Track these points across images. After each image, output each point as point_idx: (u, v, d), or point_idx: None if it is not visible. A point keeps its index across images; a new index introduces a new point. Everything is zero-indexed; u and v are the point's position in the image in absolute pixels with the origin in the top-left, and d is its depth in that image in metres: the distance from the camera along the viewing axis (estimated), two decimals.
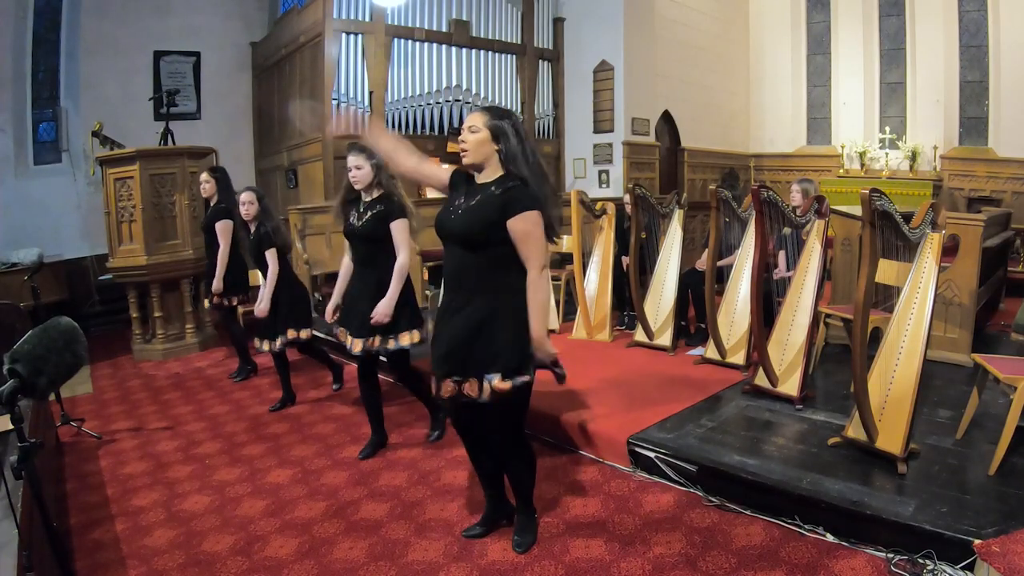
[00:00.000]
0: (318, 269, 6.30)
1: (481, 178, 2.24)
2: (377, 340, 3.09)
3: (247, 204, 3.88)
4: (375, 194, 3.07)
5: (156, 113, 7.62)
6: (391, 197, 3.07)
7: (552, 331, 5.25)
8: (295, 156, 8.30)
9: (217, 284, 4.44)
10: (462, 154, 2.21)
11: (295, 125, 8.06)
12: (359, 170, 3.00)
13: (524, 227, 2.13)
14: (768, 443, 3.00)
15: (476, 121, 2.18)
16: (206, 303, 5.05)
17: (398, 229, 3.06)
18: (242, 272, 4.60)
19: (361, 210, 3.08)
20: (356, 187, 3.06)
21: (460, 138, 2.22)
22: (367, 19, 7.70)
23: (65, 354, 1.60)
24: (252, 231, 3.95)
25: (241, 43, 9.01)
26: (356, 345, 3.10)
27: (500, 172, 2.20)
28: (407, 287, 3.13)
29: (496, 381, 2.16)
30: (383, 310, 3.01)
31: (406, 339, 3.14)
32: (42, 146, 7.44)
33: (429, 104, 8.22)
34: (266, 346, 3.90)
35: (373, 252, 3.08)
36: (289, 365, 4.14)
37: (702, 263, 4.80)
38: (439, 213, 2.29)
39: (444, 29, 8.29)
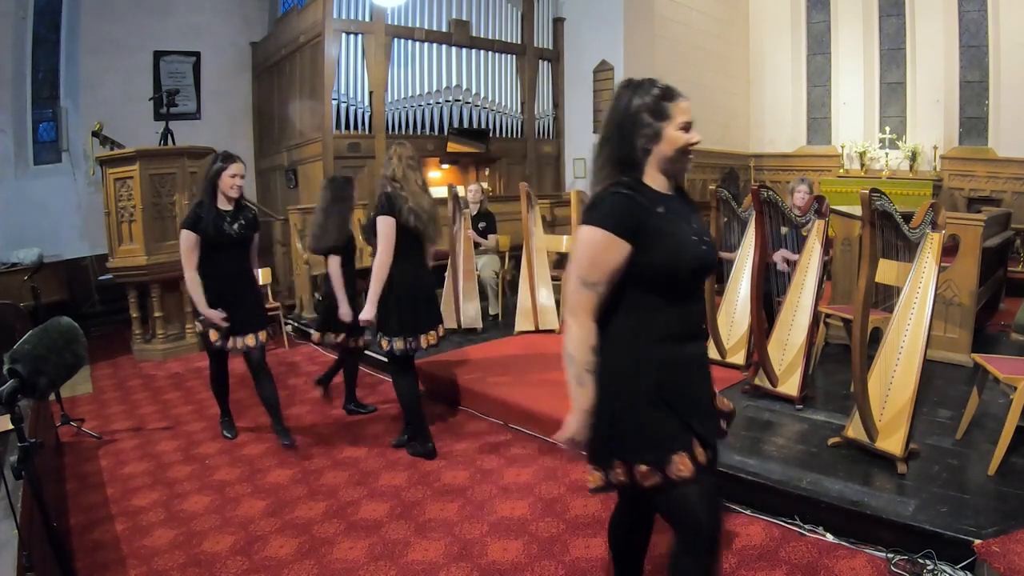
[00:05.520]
0: (317, 269, 6.29)
1: (669, 188, 1.64)
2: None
3: (236, 177, 3.32)
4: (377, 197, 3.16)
5: (156, 113, 7.61)
6: (383, 196, 3.11)
7: (553, 331, 5.25)
8: (295, 156, 8.30)
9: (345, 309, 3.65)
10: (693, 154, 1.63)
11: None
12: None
13: None
14: (768, 443, 3.00)
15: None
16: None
17: (379, 225, 3.07)
18: None
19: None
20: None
21: (690, 135, 1.59)
22: (367, 19, 7.70)
23: (65, 354, 1.59)
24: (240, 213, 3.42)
25: (241, 43, 9.01)
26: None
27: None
28: (399, 291, 3.12)
29: None
30: (362, 313, 3.16)
31: (385, 343, 3.16)
32: (42, 146, 7.44)
33: (429, 104, 8.21)
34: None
35: (373, 247, 3.14)
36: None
37: None
38: (681, 242, 1.54)
39: (444, 29, 8.29)
